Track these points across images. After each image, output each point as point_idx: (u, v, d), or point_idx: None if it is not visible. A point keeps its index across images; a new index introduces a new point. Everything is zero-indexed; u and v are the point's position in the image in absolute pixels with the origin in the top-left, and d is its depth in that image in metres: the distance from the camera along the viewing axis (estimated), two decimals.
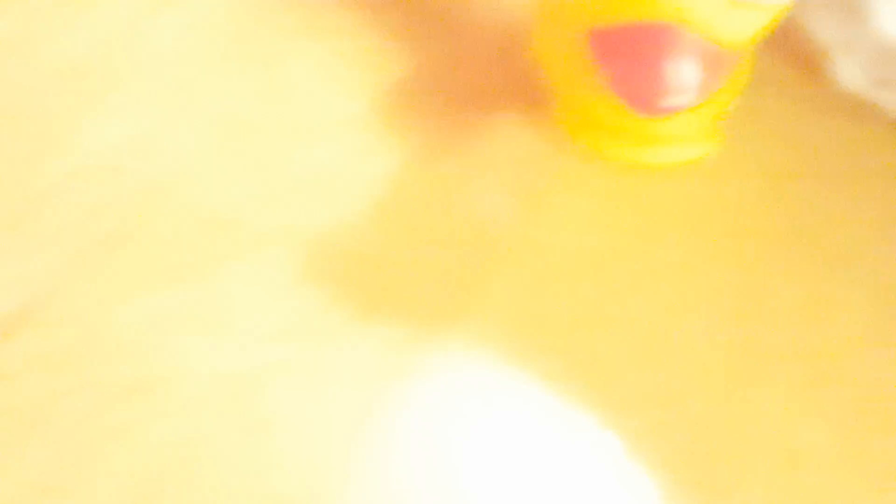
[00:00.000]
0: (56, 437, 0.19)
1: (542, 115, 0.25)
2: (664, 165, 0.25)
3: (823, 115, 0.27)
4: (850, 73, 0.26)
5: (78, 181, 0.23)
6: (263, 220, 0.23)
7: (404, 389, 0.21)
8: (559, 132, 0.25)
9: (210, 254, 0.23)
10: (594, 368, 0.22)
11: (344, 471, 0.20)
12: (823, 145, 0.26)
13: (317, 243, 0.23)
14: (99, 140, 0.24)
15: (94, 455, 0.19)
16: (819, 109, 0.27)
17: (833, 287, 0.24)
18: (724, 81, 0.22)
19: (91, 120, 0.24)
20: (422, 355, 0.22)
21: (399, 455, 0.20)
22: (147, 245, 0.22)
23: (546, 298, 0.23)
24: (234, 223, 0.23)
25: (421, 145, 0.24)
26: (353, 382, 0.21)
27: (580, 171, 0.25)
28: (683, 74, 0.21)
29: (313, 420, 0.20)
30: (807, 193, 0.25)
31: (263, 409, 0.20)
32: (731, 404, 0.22)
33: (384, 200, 0.24)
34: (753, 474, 0.21)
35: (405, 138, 0.25)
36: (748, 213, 0.25)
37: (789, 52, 0.25)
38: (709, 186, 0.25)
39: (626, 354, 0.22)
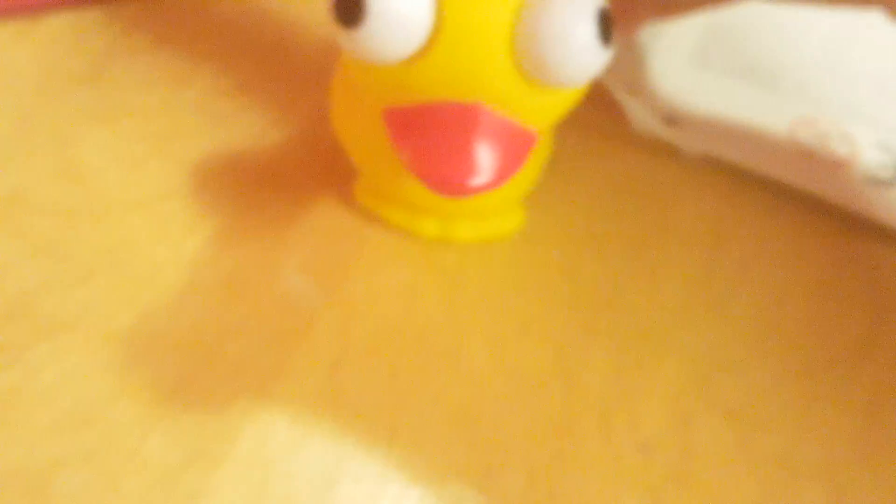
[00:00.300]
0: None
1: (349, 191, 0.25)
2: (471, 238, 0.25)
3: (627, 159, 0.28)
4: (640, 113, 0.28)
5: None
6: (56, 306, 0.22)
7: (204, 479, 0.20)
8: (365, 207, 0.25)
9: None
10: (407, 441, 0.22)
11: None
12: (628, 191, 0.27)
13: (112, 329, 0.22)
14: None
15: None
16: (623, 152, 0.28)
17: (642, 355, 0.24)
18: (527, 160, 0.21)
19: None
20: (224, 442, 0.21)
21: None
22: None
23: (355, 373, 0.22)
24: (24, 309, 0.22)
25: (222, 226, 0.24)
26: (151, 473, 0.20)
27: (388, 245, 0.25)
28: (484, 155, 0.20)
29: None
30: (613, 259, 0.25)
31: None
32: (546, 477, 0.22)
33: (183, 284, 0.23)
34: None
35: (206, 219, 0.24)
36: (556, 283, 0.25)
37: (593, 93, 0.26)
38: (517, 257, 0.25)
39: (437, 426, 0.22)
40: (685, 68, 0.30)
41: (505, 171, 0.20)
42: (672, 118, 0.28)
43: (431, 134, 0.20)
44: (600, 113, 0.28)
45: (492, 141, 0.20)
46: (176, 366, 0.22)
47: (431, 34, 0.19)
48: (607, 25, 0.19)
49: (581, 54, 0.19)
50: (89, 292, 0.22)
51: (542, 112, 0.21)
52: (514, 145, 0.21)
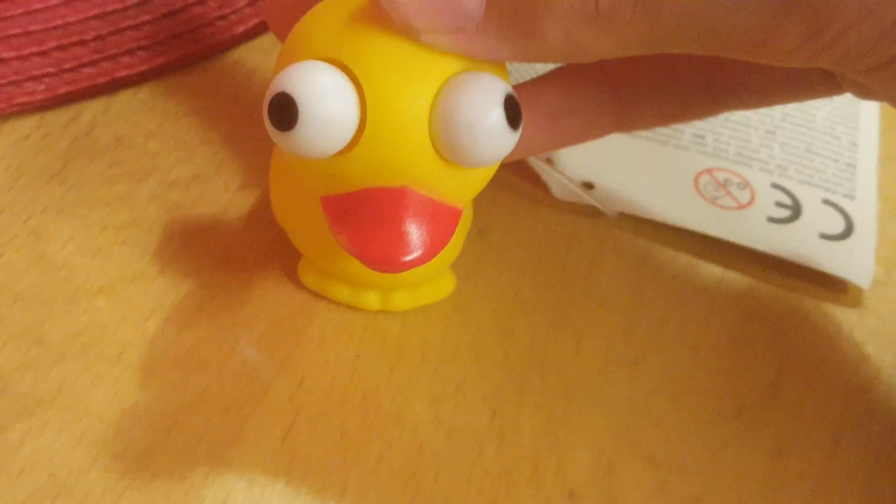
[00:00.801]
0: None
1: (295, 271, 0.27)
2: (410, 306, 0.27)
3: (552, 224, 0.30)
4: (558, 181, 0.31)
5: None
6: (31, 386, 0.24)
7: None
8: (308, 284, 0.27)
9: None
10: (355, 496, 0.24)
11: None
12: (553, 254, 0.30)
13: (83, 406, 0.24)
14: None
15: None
16: (548, 218, 0.30)
17: (569, 409, 0.26)
18: (455, 230, 0.23)
19: None
20: None
21: None
22: None
23: (306, 436, 0.25)
24: (2, 391, 0.24)
25: (182, 306, 0.26)
26: None
27: (334, 318, 0.27)
28: (414, 233, 0.22)
29: None
30: (540, 321, 0.28)
31: None
32: None
33: (147, 361, 0.25)
34: None
35: (166, 300, 0.26)
36: (489, 344, 0.27)
37: (518, 163, 0.28)
38: (452, 322, 0.27)
39: (383, 481, 0.24)
40: None
41: (435, 246, 0.22)
42: (588, 183, 0.31)
43: (365, 217, 0.22)
44: (526, 181, 0.31)
45: (420, 219, 0.22)
46: (143, 437, 0.24)
47: (357, 129, 0.21)
48: (514, 111, 0.21)
49: (490, 139, 0.21)
50: (61, 372, 0.25)
51: (462, 189, 0.23)
52: (442, 221, 0.22)
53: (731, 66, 0.25)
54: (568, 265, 0.29)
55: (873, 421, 0.28)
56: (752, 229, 0.31)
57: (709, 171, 0.32)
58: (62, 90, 0.30)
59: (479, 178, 0.23)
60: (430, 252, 0.22)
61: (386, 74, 0.21)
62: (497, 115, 0.21)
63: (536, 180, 0.31)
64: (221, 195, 0.29)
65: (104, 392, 0.24)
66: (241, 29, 0.32)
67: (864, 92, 0.23)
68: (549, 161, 0.31)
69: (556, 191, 0.31)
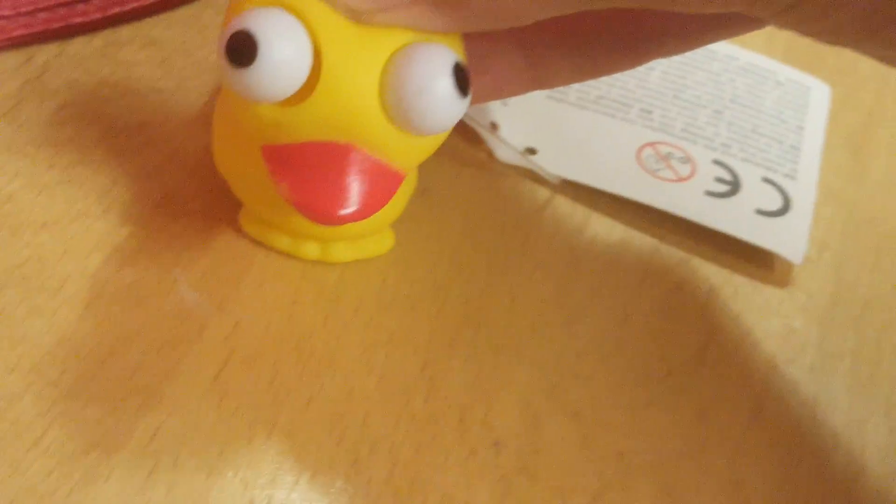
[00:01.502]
0: None
1: (237, 219, 0.28)
2: (348, 258, 0.28)
3: (494, 188, 0.32)
4: (502, 146, 0.32)
5: None
6: None
7: (102, 463, 0.23)
8: (249, 232, 0.28)
9: None
10: (283, 436, 0.25)
11: None
12: (492, 217, 0.31)
13: (21, 335, 0.25)
14: None
15: None
16: (490, 182, 0.32)
17: (498, 364, 0.28)
18: (395, 192, 0.24)
19: None
20: (119, 435, 0.24)
21: None
22: None
23: (238, 376, 0.26)
24: None
25: (124, 245, 0.27)
26: (52, 459, 0.23)
27: (273, 265, 0.28)
28: (354, 190, 0.23)
29: None
30: (476, 279, 0.29)
31: None
32: (407, 467, 0.25)
33: (86, 295, 0.26)
34: None
35: (108, 239, 0.27)
36: (423, 299, 0.28)
37: (461, 126, 0.29)
38: (389, 275, 0.29)
39: (312, 423, 0.25)
40: (543, 101, 0.34)
41: (372, 205, 0.23)
42: (531, 149, 0.32)
43: (307, 170, 0.23)
44: (470, 144, 0.32)
45: (361, 178, 0.23)
46: (77, 367, 0.25)
47: (309, 82, 0.22)
48: (464, 79, 0.22)
49: (439, 106, 0.22)
50: (1, 303, 0.25)
51: (408, 155, 0.24)
52: (382, 183, 0.24)
53: (648, 15, 0.26)
54: (506, 228, 0.31)
55: (796, 392, 0.29)
56: (690, 201, 0.32)
57: (652, 144, 0.34)
58: (16, 33, 0.30)
59: (426, 145, 0.24)
60: (367, 210, 0.23)
61: (344, 33, 0.22)
62: (446, 82, 0.22)
63: (481, 144, 0.32)
64: (168, 142, 0.30)
65: (42, 322, 0.25)
66: None
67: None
68: (493, 126, 0.32)
69: (500, 154, 0.32)
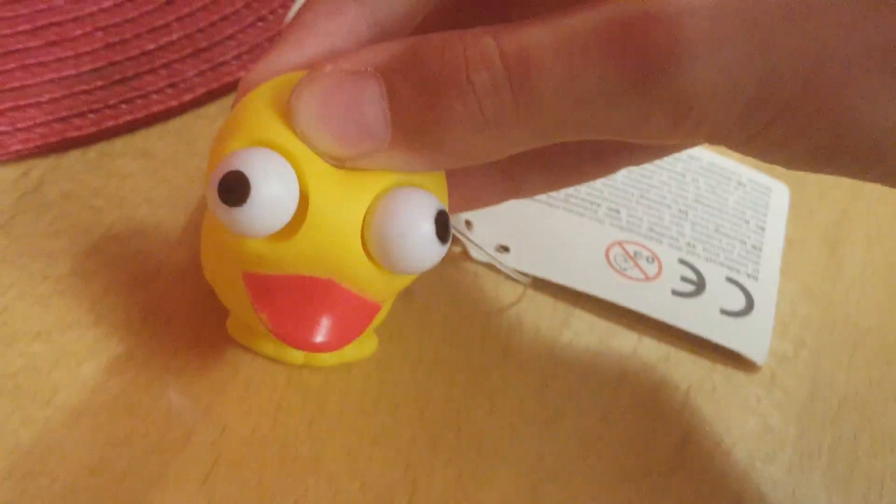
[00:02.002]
0: None
1: (224, 325, 0.29)
2: (333, 363, 0.29)
3: (470, 283, 0.33)
4: (475, 243, 0.33)
5: None
6: None
7: None
8: (236, 338, 0.29)
9: None
10: None
11: None
12: (472, 316, 0.32)
13: (13, 444, 0.26)
14: None
15: None
16: (470, 282, 0.33)
17: (479, 467, 0.28)
18: (372, 321, 0.26)
19: None
20: None
21: None
22: None
23: (225, 481, 0.26)
24: None
25: (114, 354, 0.28)
26: None
27: (259, 370, 0.29)
28: (330, 325, 0.24)
29: None
30: (458, 381, 0.30)
31: None
32: None
33: (77, 403, 0.27)
34: None
35: (100, 348, 0.28)
36: (406, 402, 0.29)
37: None
38: (373, 379, 0.29)
39: None
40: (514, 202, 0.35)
41: (348, 337, 0.25)
42: (503, 246, 0.34)
43: (287, 302, 0.24)
44: (452, 244, 0.32)
45: (339, 313, 0.24)
46: (67, 474, 0.26)
47: (294, 220, 0.23)
48: (445, 227, 0.24)
49: (419, 251, 0.24)
50: None
51: (386, 289, 0.26)
52: (359, 316, 0.25)
53: None
54: (486, 328, 0.32)
55: (775, 491, 0.30)
56: (658, 301, 0.34)
57: (620, 243, 0.35)
58: (13, 148, 0.32)
59: (404, 280, 0.26)
60: (343, 342, 0.25)
61: (329, 175, 0.24)
62: (427, 229, 0.24)
63: (457, 242, 0.33)
64: (159, 251, 0.31)
65: (33, 431, 0.26)
66: (188, 97, 0.35)
67: None
68: (468, 224, 0.34)
69: (474, 252, 0.34)
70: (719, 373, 0.33)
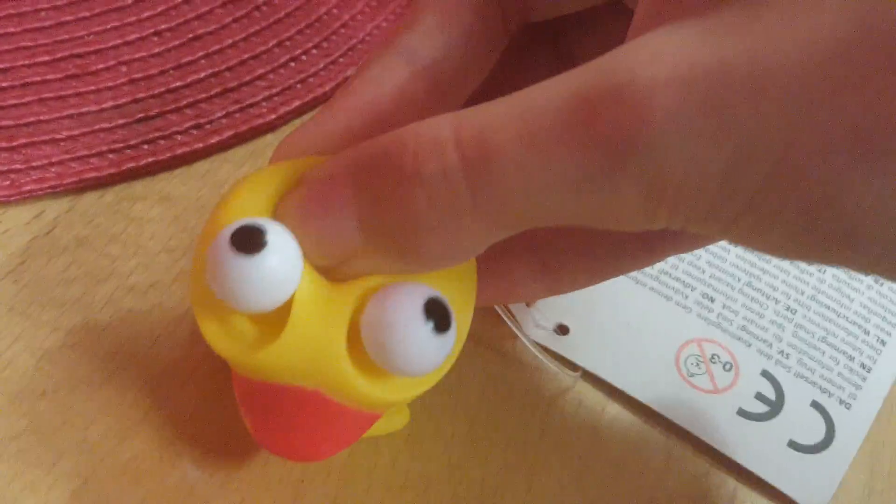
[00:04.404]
0: None
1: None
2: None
3: (515, 361, 0.31)
4: (531, 320, 0.31)
5: None
6: None
7: None
8: None
9: None
10: None
11: None
12: (512, 395, 0.30)
13: None
14: None
15: None
16: (511, 354, 0.31)
17: None
18: (366, 430, 0.25)
19: None
20: None
21: None
22: None
23: None
24: None
25: (124, 417, 0.27)
26: None
27: None
28: (316, 437, 0.24)
29: None
30: (493, 460, 0.28)
31: None
32: None
33: (83, 470, 0.25)
34: None
35: (109, 410, 0.27)
36: (438, 480, 0.27)
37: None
38: (403, 454, 0.28)
39: None
40: None
41: (333, 449, 0.24)
42: (564, 326, 0.31)
43: (271, 408, 0.24)
44: (488, 325, 0.31)
45: (324, 424, 0.24)
46: None
47: (277, 326, 0.22)
48: (438, 314, 0.22)
49: (412, 347, 0.22)
50: None
51: (384, 399, 0.24)
52: (349, 427, 0.24)
53: None
54: (525, 407, 0.30)
55: None
56: (717, 420, 0.30)
57: (699, 341, 0.32)
58: (27, 187, 0.30)
59: (406, 389, 0.24)
60: (328, 454, 0.24)
61: (316, 283, 0.23)
62: (415, 322, 0.22)
63: (499, 324, 0.31)
64: (177, 306, 0.29)
65: (35, 500, 0.25)
66: (214, 139, 0.33)
67: None
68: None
69: (528, 328, 0.31)
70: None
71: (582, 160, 0.19)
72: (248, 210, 0.23)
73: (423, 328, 0.22)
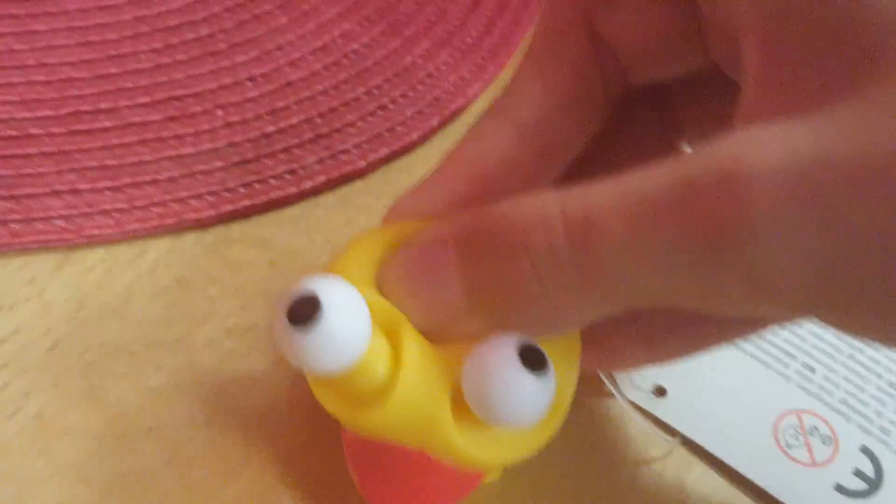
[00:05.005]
0: None
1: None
2: None
3: (609, 423, 0.31)
4: (628, 380, 0.31)
5: None
6: None
7: None
8: None
9: None
10: None
11: None
12: (602, 460, 0.30)
13: None
14: None
15: None
16: (605, 416, 0.31)
17: None
18: (470, 491, 0.25)
19: None
20: None
21: None
22: None
23: None
24: None
25: (226, 459, 0.27)
26: None
27: None
28: (422, 494, 0.25)
29: None
30: None
31: None
32: None
33: None
34: None
35: (211, 451, 0.27)
36: None
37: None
38: None
39: None
40: None
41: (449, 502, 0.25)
42: (661, 388, 0.31)
43: (377, 464, 0.25)
44: (584, 383, 0.31)
45: (428, 483, 0.24)
46: None
47: (386, 386, 0.23)
48: (533, 357, 0.22)
49: (510, 392, 0.22)
50: None
51: (488, 460, 0.24)
52: (453, 487, 0.25)
53: None
54: (613, 475, 0.30)
55: None
56: (814, 495, 0.30)
57: (798, 412, 0.31)
58: (130, 227, 0.31)
59: (515, 443, 0.24)
60: None
61: (422, 348, 0.23)
62: (511, 365, 0.22)
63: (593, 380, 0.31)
64: (274, 349, 0.30)
65: None
66: (308, 185, 0.34)
67: None
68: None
69: (626, 388, 0.31)
70: None
71: (683, 246, 0.19)
72: (352, 272, 0.24)
73: (520, 371, 0.22)
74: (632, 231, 0.20)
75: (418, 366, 0.23)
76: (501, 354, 0.22)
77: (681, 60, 0.26)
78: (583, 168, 0.26)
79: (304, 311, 0.21)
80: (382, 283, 0.24)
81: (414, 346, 0.23)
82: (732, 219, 0.19)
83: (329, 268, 0.25)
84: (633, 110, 0.28)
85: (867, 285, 0.19)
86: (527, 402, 0.22)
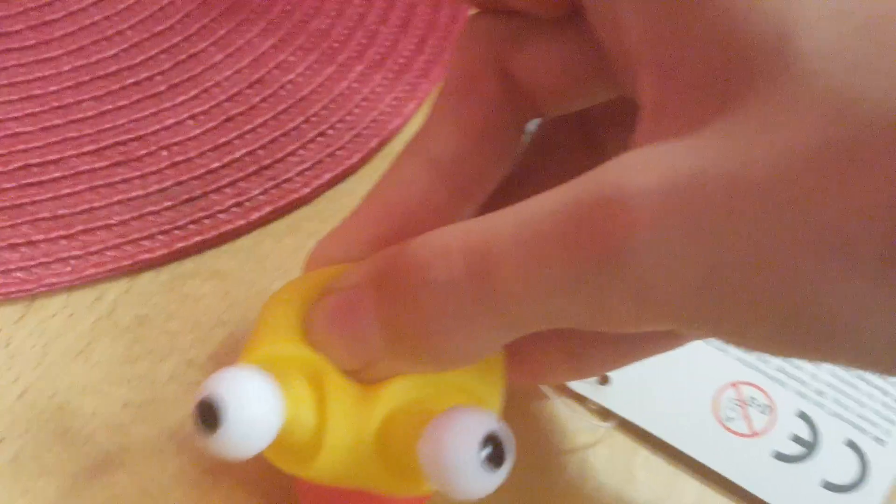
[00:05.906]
0: None
1: None
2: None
3: (542, 411, 0.32)
4: None
5: None
6: None
7: None
8: None
9: None
10: None
11: None
12: (537, 449, 0.31)
13: None
14: None
15: None
16: (538, 403, 0.32)
17: None
18: None
19: None
20: None
21: None
22: None
23: None
24: None
25: (193, 485, 0.29)
26: None
27: None
28: None
29: None
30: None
31: None
32: None
33: None
34: None
35: (180, 483, 0.29)
36: None
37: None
38: None
39: None
40: None
41: None
42: (605, 376, 0.33)
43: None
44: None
45: None
46: None
47: (315, 439, 0.24)
48: (497, 450, 0.23)
49: (463, 481, 0.23)
50: None
51: (422, 493, 0.26)
52: None
53: None
54: (549, 464, 0.32)
55: None
56: (754, 465, 0.31)
57: (736, 384, 0.32)
58: (87, 272, 0.33)
59: None
60: None
61: (347, 392, 0.25)
62: (471, 458, 0.22)
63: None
64: None
65: None
66: (255, 216, 0.36)
67: None
68: None
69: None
70: None
71: (573, 266, 0.20)
72: (278, 327, 0.25)
73: (480, 471, 0.22)
74: (525, 255, 0.21)
75: (343, 417, 0.24)
76: (463, 445, 0.22)
77: (593, 94, 0.27)
78: (511, 194, 0.27)
79: (206, 417, 0.23)
80: (308, 332, 0.25)
81: (338, 396, 0.24)
82: (615, 240, 0.20)
83: (256, 328, 0.26)
84: (558, 134, 0.30)
85: (738, 298, 0.19)
86: (480, 490, 0.23)
